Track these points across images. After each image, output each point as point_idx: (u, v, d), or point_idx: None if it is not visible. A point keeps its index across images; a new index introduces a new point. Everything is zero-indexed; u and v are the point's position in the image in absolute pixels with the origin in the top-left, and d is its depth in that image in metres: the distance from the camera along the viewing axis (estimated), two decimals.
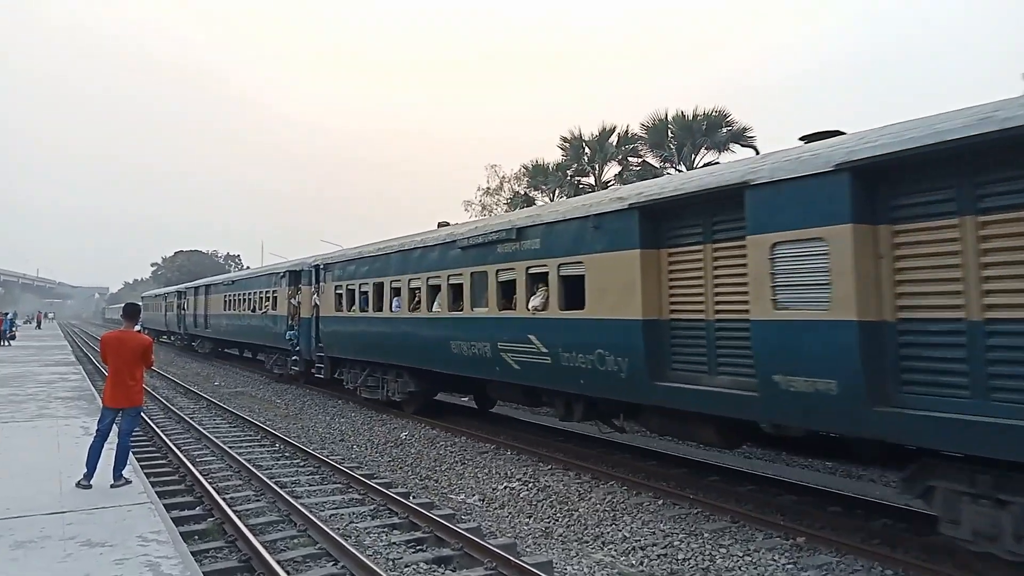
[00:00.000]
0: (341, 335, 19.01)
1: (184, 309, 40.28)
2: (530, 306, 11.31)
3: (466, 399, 18.89)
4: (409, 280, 15.41)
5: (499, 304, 12.17)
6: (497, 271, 12.23)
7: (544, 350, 10.87)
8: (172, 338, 46.58)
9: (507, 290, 12.17)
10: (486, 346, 12.29)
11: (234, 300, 30.12)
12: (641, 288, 9.10)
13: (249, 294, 27.84)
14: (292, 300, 22.31)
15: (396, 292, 15.98)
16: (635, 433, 13.27)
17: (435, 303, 14.32)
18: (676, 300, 9.00)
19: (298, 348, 21.86)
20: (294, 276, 22.64)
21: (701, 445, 11.53)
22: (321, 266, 20.40)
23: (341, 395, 20.37)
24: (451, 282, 13.73)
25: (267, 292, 25.38)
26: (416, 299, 15.15)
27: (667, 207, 9.01)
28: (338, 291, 19.08)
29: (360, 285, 17.87)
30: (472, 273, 12.97)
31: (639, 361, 9.17)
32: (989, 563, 7.04)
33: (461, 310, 13.26)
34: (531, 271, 11.45)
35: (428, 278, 14.54)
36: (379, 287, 16.82)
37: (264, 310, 25.30)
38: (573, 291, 10.57)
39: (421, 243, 15.10)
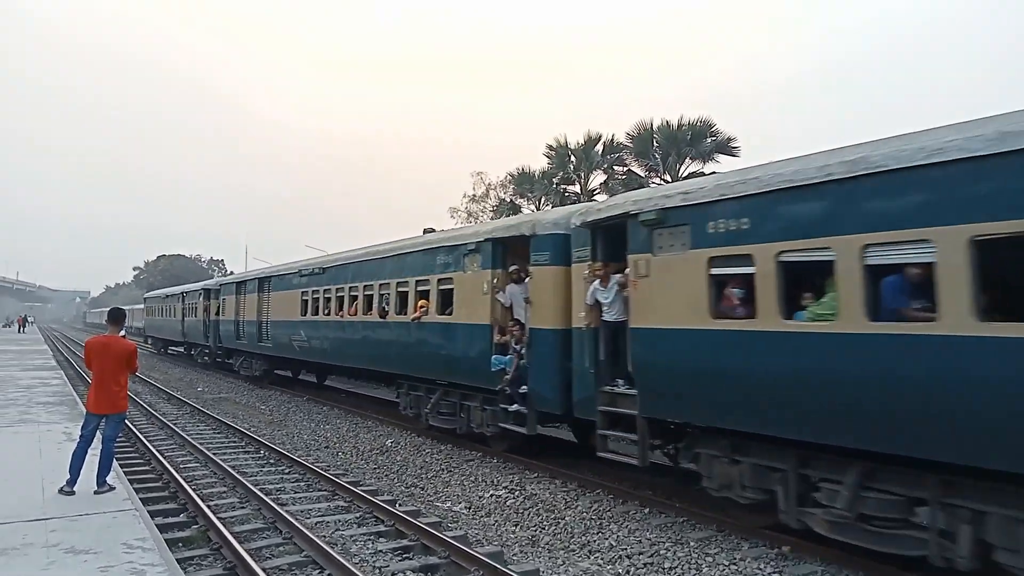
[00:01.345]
0: (765, 376, 7.43)
1: (218, 313, 30.36)
2: None
3: None
4: None
5: None
6: None
7: None
8: (195, 351, 36.46)
9: None
10: None
11: (328, 298, 19.46)
12: None
13: (369, 287, 17.20)
14: (498, 295, 12.61)
15: None
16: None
17: None
18: None
19: (523, 390, 11.84)
20: (505, 246, 12.69)
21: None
22: (652, 214, 8.80)
23: (328, 402, 19.35)
24: None
25: (420, 282, 15.00)
26: None
27: None
28: (759, 267, 7.49)
29: (890, 249, 6.25)
30: None
31: None
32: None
33: None
34: None
35: None
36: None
37: (419, 314, 14.70)
38: None
39: None
